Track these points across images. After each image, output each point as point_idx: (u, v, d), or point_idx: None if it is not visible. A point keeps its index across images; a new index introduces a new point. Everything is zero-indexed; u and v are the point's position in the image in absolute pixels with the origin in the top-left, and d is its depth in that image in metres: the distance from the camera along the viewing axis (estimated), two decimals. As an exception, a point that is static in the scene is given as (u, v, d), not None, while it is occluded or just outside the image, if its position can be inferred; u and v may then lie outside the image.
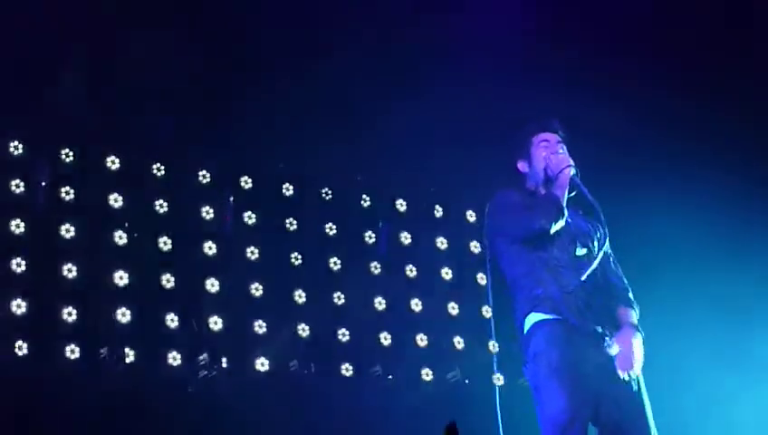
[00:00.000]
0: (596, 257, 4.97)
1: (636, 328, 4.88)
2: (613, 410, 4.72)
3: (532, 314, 4.84)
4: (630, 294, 5.02)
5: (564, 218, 4.89)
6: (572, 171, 4.99)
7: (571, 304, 4.79)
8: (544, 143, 5.14)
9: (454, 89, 7.25)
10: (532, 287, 4.88)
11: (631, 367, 4.77)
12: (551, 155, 5.08)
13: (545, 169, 5.08)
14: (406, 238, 7.88)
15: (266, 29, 6.86)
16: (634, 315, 4.95)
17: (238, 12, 6.84)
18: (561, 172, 4.99)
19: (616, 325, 4.88)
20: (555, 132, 5.18)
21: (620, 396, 4.74)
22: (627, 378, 4.74)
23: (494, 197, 5.14)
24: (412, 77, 7.23)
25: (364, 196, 7.78)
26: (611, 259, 5.11)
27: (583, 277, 4.86)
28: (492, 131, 6.90)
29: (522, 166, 5.21)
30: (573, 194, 5.02)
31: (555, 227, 4.86)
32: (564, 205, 4.91)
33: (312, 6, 7.01)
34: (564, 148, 5.12)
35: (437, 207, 8.06)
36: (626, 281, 5.07)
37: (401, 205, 7.94)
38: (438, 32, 7.13)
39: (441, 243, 8.00)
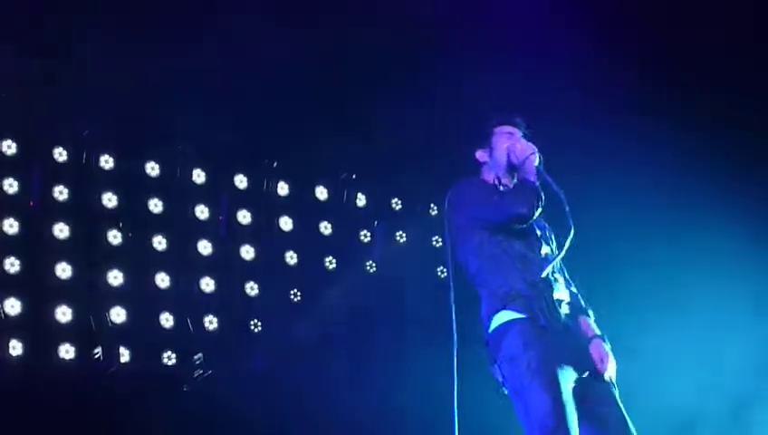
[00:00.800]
0: (556, 255, 4.91)
1: (603, 338, 4.85)
2: (595, 406, 4.69)
3: (503, 312, 4.72)
4: (582, 300, 4.99)
5: (542, 205, 4.78)
6: (536, 159, 4.89)
7: (540, 302, 4.71)
8: (507, 135, 5.02)
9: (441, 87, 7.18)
10: (499, 284, 4.75)
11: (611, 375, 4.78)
12: (514, 143, 4.97)
13: (508, 156, 4.96)
14: (401, 237, 7.88)
15: (261, 27, 6.81)
16: (593, 323, 4.93)
17: (229, 7, 6.79)
18: (527, 159, 4.88)
19: (579, 324, 4.85)
20: (518, 127, 5.08)
21: (601, 391, 4.72)
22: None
23: (458, 185, 5.00)
24: (403, 76, 7.16)
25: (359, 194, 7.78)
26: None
27: (544, 274, 4.79)
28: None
29: (480, 155, 5.07)
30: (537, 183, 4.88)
31: (536, 214, 4.77)
32: (540, 192, 4.79)
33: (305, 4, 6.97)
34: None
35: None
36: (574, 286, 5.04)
37: (397, 204, 7.93)
38: (426, 29, 7.06)
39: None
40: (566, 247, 4.85)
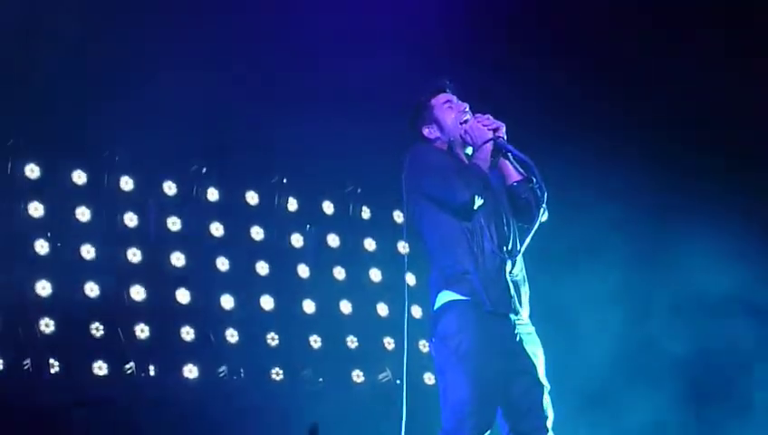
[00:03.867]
0: (530, 230, 4.87)
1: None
2: (520, 401, 4.72)
3: (446, 291, 4.67)
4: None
5: (486, 195, 4.68)
6: (492, 145, 4.80)
7: (488, 286, 4.69)
8: (448, 104, 4.93)
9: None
10: (447, 262, 4.68)
11: None
12: (471, 124, 4.85)
13: (463, 137, 4.86)
14: (334, 240, 7.86)
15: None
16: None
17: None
18: (484, 145, 4.80)
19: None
20: (450, 90, 4.98)
21: (527, 386, 4.74)
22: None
23: (413, 151, 4.87)
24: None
25: (291, 198, 7.74)
26: None
27: (510, 269, 4.79)
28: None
29: (429, 132, 4.95)
30: (499, 158, 4.88)
31: (478, 204, 4.66)
32: (488, 180, 4.74)
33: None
34: (467, 107, 4.93)
35: (365, 208, 8.04)
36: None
37: (328, 207, 7.90)
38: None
39: (369, 244, 7.98)
40: (537, 224, 4.75)
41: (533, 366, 4.74)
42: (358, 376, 7.52)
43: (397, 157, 4.98)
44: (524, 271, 4.88)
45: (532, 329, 4.82)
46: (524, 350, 4.73)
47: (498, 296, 4.67)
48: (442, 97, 4.96)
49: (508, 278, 4.74)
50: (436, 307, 4.73)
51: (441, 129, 4.94)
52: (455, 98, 4.97)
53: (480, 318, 4.62)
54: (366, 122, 7.05)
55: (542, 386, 4.75)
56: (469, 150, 4.90)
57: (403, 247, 7.50)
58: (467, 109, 4.93)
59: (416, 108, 5.02)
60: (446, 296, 4.70)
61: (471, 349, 4.58)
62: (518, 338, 4.73)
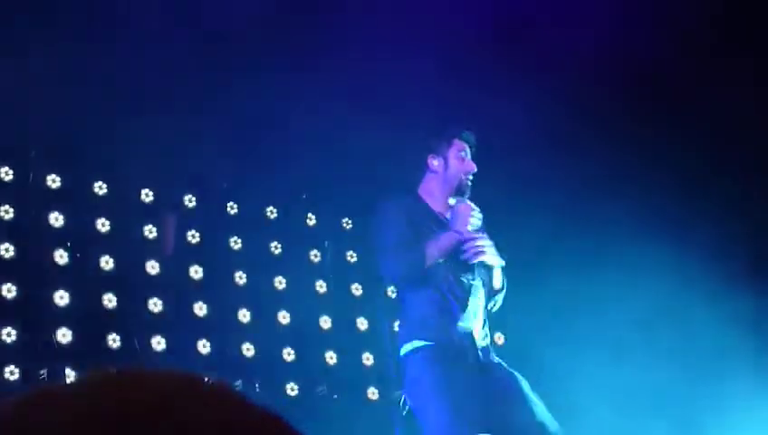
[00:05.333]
0: (498, 291, 5.03)
1: None
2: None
3: (413, 341, 4.89)
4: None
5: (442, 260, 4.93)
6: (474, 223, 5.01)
7: (452, 333, 4.80)
8: (462, 153, 5.11)
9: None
10: (413, 313, 4.93)
11: None
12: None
13: (454, 189, 5.13)
14: (352, 257, 7.86)
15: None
16: None
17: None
18: (454, 235, 4.97)
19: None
20: (471, 146, 5.16)
21: (508, 417, 4.77)
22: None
23: (382, 207, 5.12)
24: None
25: (309, 214, 7.75)
26: None
27: (477, 325, 4.93)
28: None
29: (432, 163, 5.13)
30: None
31: (415, 282, 4.90)
32: (451, 249, 4.95)
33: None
34: (473, 171, 5.13)
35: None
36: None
37: (347, 223, 7.90)
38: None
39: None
40: (497, 304, 5.10)
41: (510, 394, 4.80)
42: (373, 393, 7.51)
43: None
44: (488, 324, 5.00)
45: (500, 360, 4.92)
46: (496, 380, 4.81)
47: (462, 342, 4.77)
48: (462, 145, 5.13)
49: (477, 336, 4.87)
50: (402, 353, 4.83)
51: (446, 168, 5.10)
52: (468, 154, 5.13)
53: (444, 359, 4.72)
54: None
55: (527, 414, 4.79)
56: (452, 201, 5.01)
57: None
58: (473, 172, 5.01)
59: (439, 134, 5.09)
60: (411, 345, 4.81)
61: (441, 383, 4.71)
62: (488, 367, 4.81)
